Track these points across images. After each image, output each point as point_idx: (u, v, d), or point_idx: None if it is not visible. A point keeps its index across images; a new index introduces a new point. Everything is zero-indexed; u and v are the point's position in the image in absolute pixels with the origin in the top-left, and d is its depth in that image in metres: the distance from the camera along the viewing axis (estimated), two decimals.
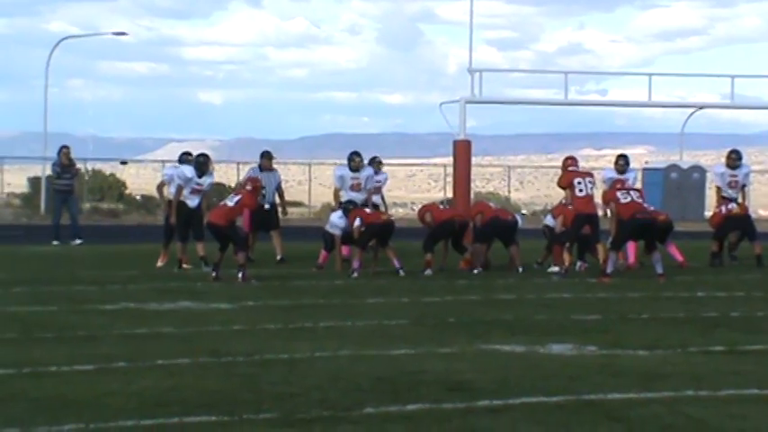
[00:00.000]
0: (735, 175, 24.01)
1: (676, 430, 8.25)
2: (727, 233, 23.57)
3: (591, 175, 21.86)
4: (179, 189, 21.63)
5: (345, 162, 23.43)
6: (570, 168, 21.90)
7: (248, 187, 20.58)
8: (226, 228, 19.82)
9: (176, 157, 24.19)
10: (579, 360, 11.52)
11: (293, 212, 41.37)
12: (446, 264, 21.87)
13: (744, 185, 24.36)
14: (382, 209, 24.46)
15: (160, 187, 23.40)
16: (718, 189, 24.24)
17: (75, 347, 12.07)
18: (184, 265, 21.68)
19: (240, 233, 20.08)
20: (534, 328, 13.85)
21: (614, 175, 22.48)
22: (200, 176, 21.62)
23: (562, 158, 23.13)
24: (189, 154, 23.34)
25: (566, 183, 21.51)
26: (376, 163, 24.69)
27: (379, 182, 24.62)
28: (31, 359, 11.14)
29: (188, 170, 21.65)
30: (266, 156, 24.36)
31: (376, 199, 24.44)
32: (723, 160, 24.88)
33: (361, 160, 23.30)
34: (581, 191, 21.03)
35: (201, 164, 21.82)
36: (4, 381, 10.14)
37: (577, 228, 21.15)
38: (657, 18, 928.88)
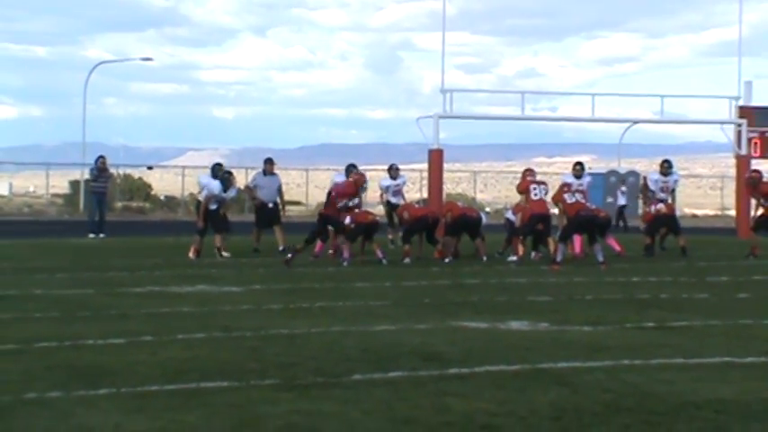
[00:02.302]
0: (666, 181, 24.15)
1: (615, 393, 8.26)
2: (658, 229, 23.69)
3: (545, 183, 22.01)
4: (207, 199, 21.95)
5: (338, 167, 23.61)
6: (528, 177, 22.15)
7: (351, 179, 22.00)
8: (336, 218, 20.89)
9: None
10: (533, 334, 11.53)
11: (293, 210, 41.38)
12: (421, 254, 21.91)
13: (673, 189, 24.51)
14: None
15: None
16: (648, 191, 24.37)
17: (108, 324, 12.05)
18: (224, 254, 21.96)
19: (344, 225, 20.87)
20: (496, 308, 13.86)
21: (571, 179, 22.51)
22: (224, 191, 22.03)
23: (520, 165, 23.40)
24: (220, 165, 23.43)
25: (523, 188, 21.78)
26: (393, 170, 24.80)
27: (398, 185, 25.03)
28: (71, 334, 11.12)
29: (216, 187, 21.98)
30: (269, 162, 24.62)
31: (398, 199, 24.74)
32: (656, 168, 24.96)
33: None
34: (536, 195, 21.28)
35: (226, 180, 22.22)
36: (48, 352, 10.13)
37: (532, 224, 21.35)
38: (599, 47, 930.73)
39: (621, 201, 35.92)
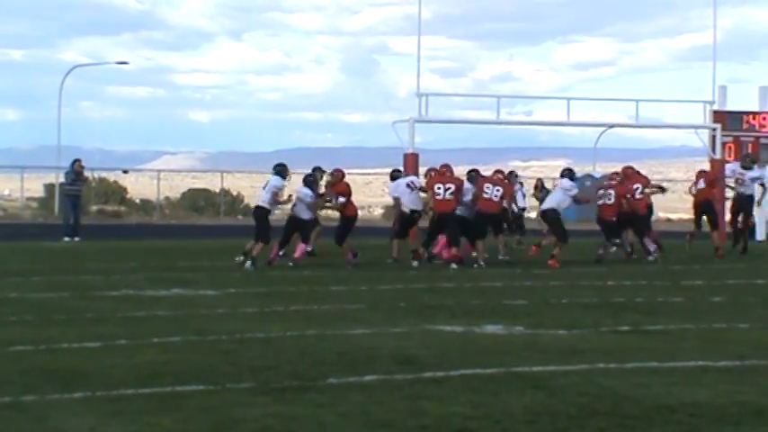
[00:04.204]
0: (742, 174, 24.26)
1: (590, 397, 8.29)
2: (623, 230, 23.61)
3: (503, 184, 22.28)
4: (278, 193, 21.15)
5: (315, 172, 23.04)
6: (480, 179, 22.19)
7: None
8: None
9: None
10: (509, 338, 11.55)
11: None
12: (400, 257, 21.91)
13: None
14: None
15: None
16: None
17: (83, 328, 12.01)
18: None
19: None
20: (471, 312, 13.88)
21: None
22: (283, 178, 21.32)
23: (496, 168, 23.59)
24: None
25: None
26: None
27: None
28: (46, 337, 11.09)
29: (279, 180, 21.16)
30: (318, 169, 22.98)
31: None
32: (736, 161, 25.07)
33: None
34: (486, 194, 21.45)
35: (281, 170, 21.34)
36: (23, 356, 10.09)
37: (480, 224, 21.56)
38: (575, 51, 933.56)
39: (522, 203, 34.90)
